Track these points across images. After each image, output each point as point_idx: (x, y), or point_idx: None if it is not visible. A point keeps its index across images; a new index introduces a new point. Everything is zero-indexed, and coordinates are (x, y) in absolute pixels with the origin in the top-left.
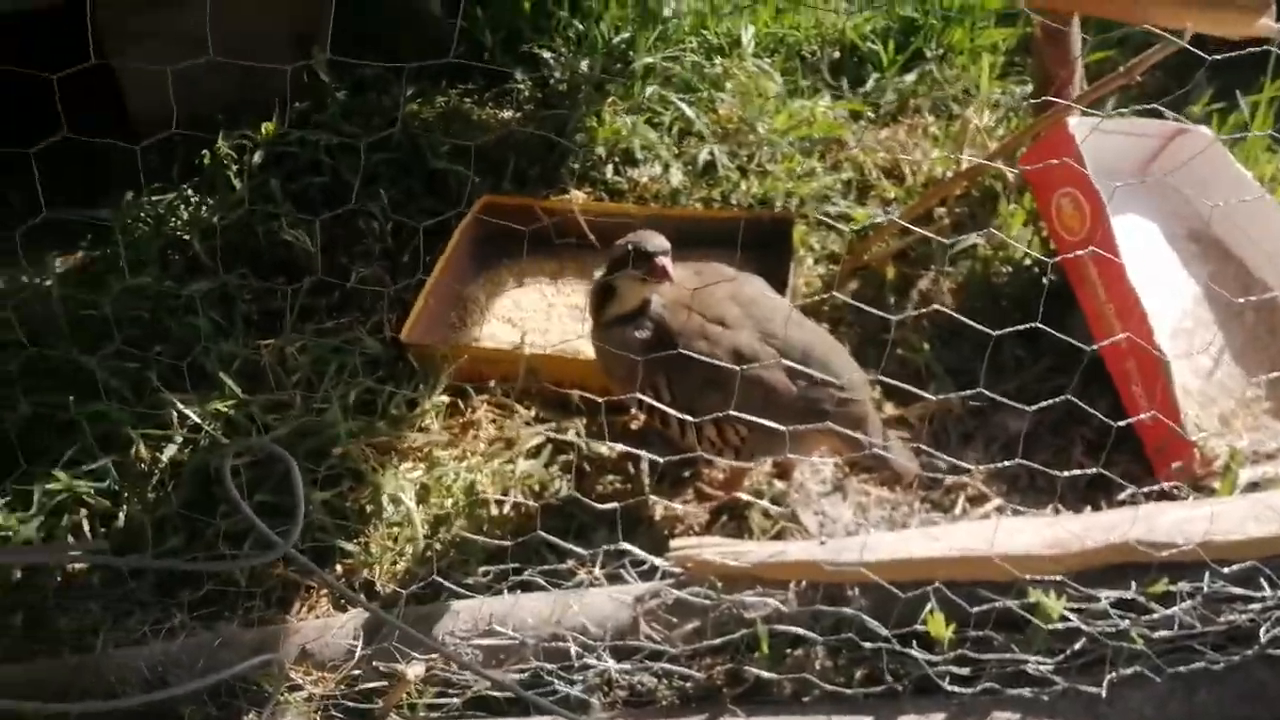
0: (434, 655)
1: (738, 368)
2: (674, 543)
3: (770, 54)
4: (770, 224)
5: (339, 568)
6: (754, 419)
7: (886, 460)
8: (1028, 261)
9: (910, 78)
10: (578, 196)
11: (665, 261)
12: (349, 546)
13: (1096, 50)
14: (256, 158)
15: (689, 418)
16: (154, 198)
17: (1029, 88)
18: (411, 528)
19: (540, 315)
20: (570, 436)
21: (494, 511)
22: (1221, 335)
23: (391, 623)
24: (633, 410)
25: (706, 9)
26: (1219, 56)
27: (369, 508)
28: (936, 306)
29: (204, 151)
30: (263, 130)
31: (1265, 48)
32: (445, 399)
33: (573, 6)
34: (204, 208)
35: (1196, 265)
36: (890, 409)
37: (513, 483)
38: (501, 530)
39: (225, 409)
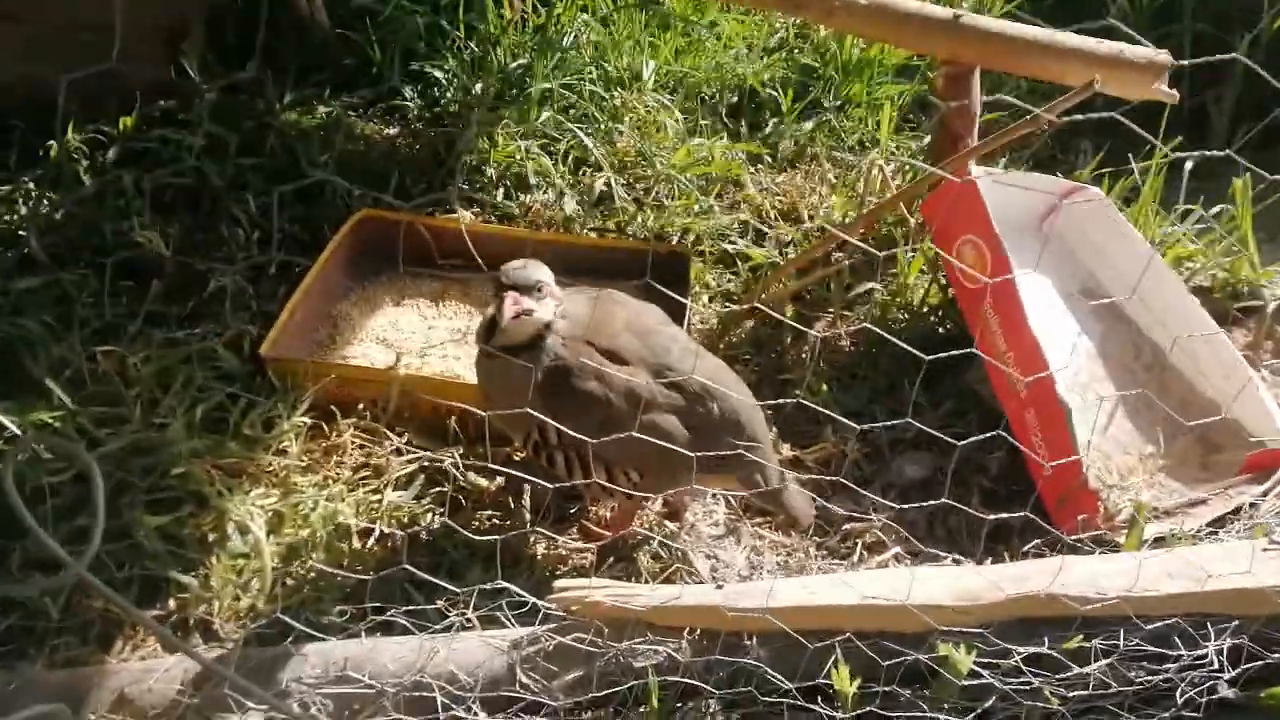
0: (273, 708)
1: (631, 412)
2: (558, 583)
3: (670, 92)
4: (667, 258)
5: (171, 603)
6: (648, 457)
7: (783, 504)
8: (925, 309)
9: (808, 126)
10: (465, 216)
11: (513, 300)
12: (184, 578)
13: (987, 113)
14: (111, 153)
15: (577, 460)
16: None
17: (926, 139)
18: (259, 559)
19: (419, 338)
20: (446, 466)
21: (356, 544)
22: (1115, 391)
23: (215, 670)
24: (516, 444)
25: (607, 43)
26: (1106, 114)
27: (211, 536)
28: (867, 325)
29: (50, 143)
30: (121, 125)
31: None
32: (307, 420)
33: (468, 29)
34: (45, 201)
35: (1090, 322)
36: (787, 450)
37: (379, 514)
38: (363, 565)
39: (50, 419)
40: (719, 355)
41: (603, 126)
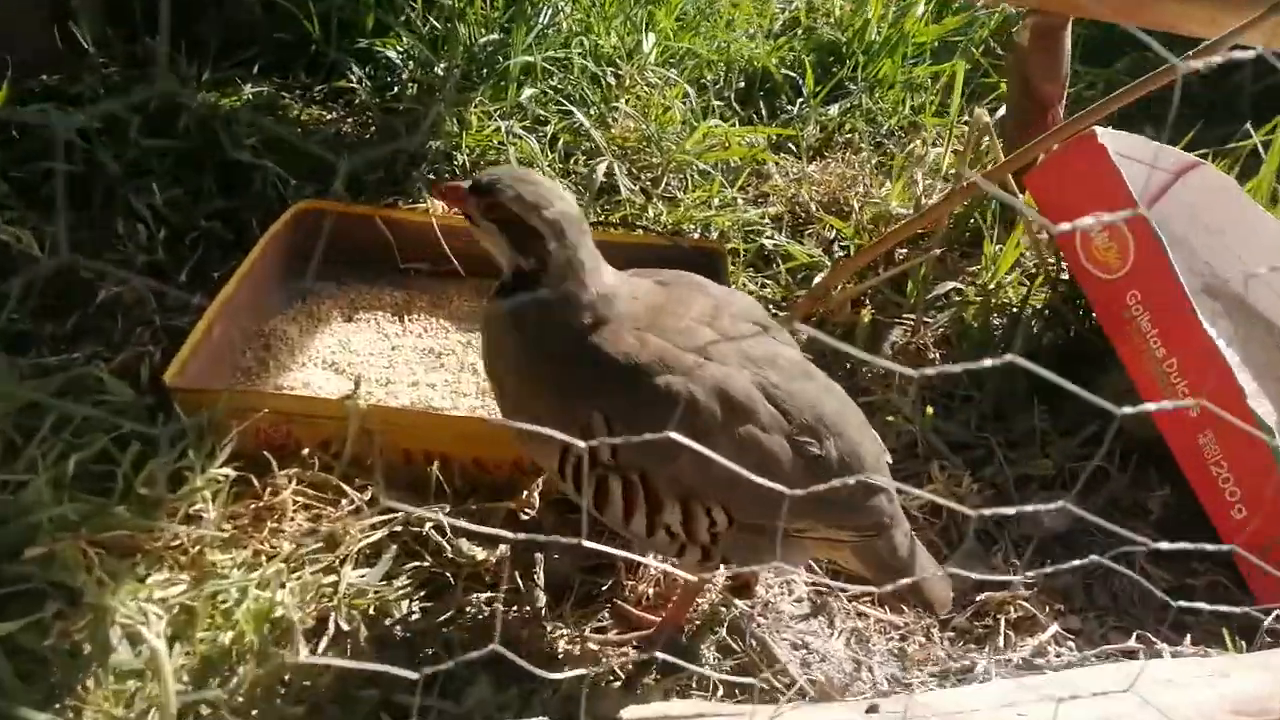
0: None
1: (725, 421)
2: (629, 713)
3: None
4: (694, 256)
5: None
6: (742, 488)
7: (918, 586)
8: (1028, 310)
9: (833, 110)
10: (437, 207)
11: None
12: (43, 718)
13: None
14: None
15: (640, 490)
16: None
17: (1000, 112)
18: (158, 681)
19: (379, 360)
20: (427, 530)
21: (303, 652)
22: (1273, 409)
23: None
24: (544, 470)
25: (590, 18)
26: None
27: (87, 647)
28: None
29: None
30: None
31: None
32: (229, 473)
33: (427, 2)
34: None
35: (1223, 325)
36: None
37: (335, 603)
38: (316, 684)
39: None
40: None
41: (596, 108)
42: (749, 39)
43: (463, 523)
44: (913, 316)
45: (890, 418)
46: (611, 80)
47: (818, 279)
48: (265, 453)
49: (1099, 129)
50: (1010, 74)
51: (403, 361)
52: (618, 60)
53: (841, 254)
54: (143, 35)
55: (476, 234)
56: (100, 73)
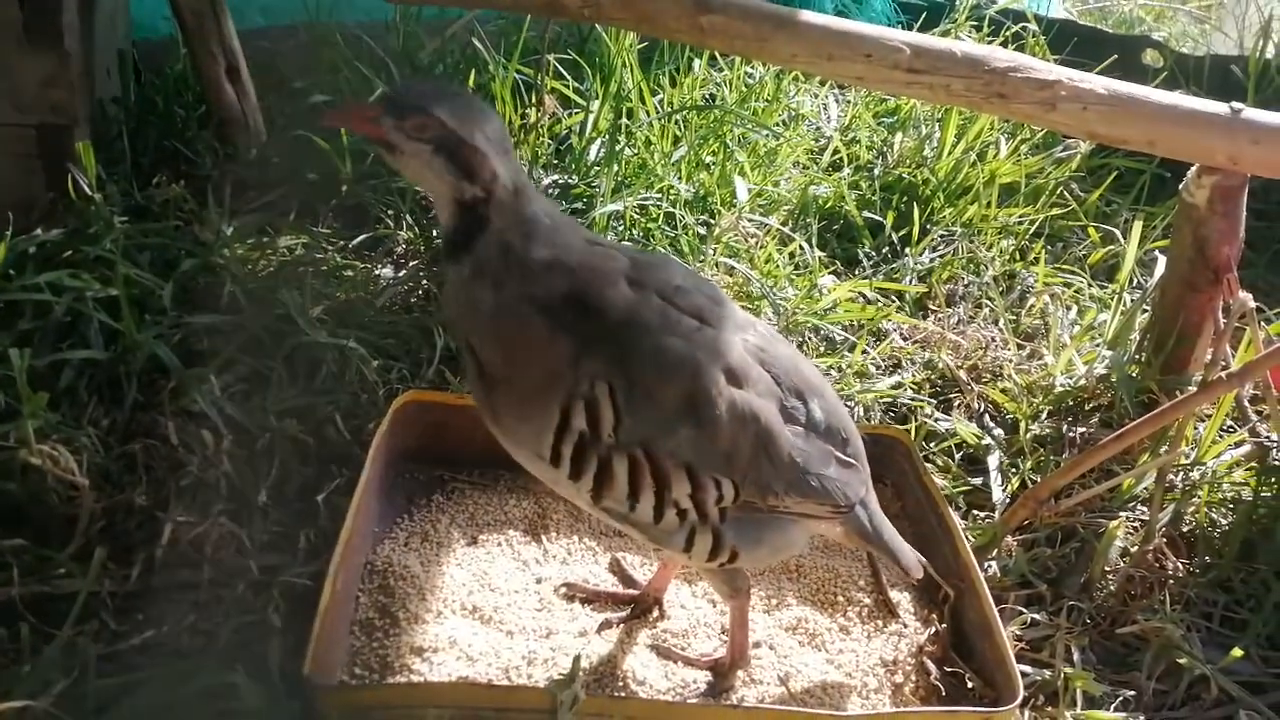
0: None
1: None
2: None
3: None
4: (870, 446)
5: None
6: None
7: (891, 549)
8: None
9: (926, 258)
10: None
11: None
12: None
13: None
14: None
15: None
16: None
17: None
18: None
19: (528, 600)
20: None
21: None
22: None
23: None
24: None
25: (655, 155)
26: None
27: None
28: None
29: None
30: None
31: None
32: None
33: None
34: None
35: None
36: None
37: None
38: None
39: None
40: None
41: (689, 259)
42: (805, 174)
43: None
44: (1129, 514)
45: (1182, 660)
46: (701, 230)
47: (991, 462)
48: None
49: None
50: (1177, 236)
51: (558, 601)
52: (695, 207)
53: (996, 428)
54: (141, 180)
55: (399, 163)
56: (111, 223)
